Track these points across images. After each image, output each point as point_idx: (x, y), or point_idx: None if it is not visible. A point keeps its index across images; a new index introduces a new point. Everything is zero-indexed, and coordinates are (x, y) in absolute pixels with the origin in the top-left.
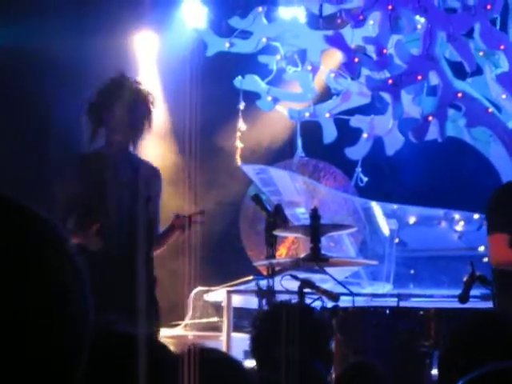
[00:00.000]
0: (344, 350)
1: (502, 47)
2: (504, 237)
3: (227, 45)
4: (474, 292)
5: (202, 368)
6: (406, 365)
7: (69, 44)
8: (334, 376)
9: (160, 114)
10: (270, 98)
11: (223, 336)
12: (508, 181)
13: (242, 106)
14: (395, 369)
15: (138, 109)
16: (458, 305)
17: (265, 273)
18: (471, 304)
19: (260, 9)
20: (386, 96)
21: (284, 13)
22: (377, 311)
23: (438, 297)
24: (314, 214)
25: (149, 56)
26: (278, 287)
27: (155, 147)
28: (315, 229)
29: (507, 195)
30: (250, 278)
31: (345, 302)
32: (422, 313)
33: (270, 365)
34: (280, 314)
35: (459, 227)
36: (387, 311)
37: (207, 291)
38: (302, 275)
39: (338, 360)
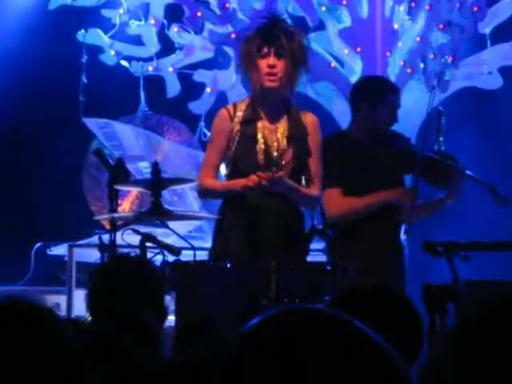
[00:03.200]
0: (185, 305)
1: (344, 2)
2: (336, 190)
3: None
4: (316, 246)
5: None
6: (248, 318)
7: None
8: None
9: (1, 67)
10: (113, 52)
11: (66, 290)
12: (327, 136)
13: (84, 60)
14: (237, 322)
15: None
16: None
17: (107, 227)
18: (312, 257)
19: None
20: (230, 50)
21: None
22: (217, 265)
23: None
24: (155, 168)
25: None
26: (120, 241)
27: None
28: (156, 183)
29: (326, 152)
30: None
31: (187, 256)
32: (261, 266)
33: (103, 318)
34: (113, 267)
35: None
36: (228, 265)
37: (49, 246)
38: (144, 229)
39: (181, 315)
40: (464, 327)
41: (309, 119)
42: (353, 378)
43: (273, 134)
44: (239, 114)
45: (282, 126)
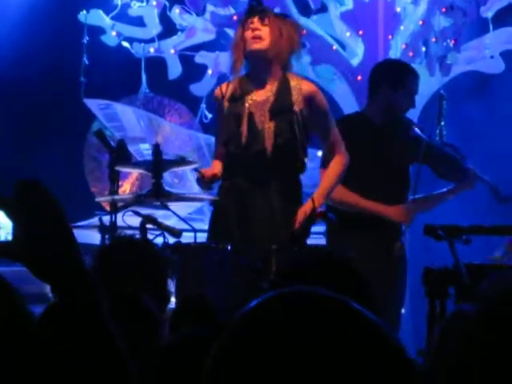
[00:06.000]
0: (186, 287)
1: None
2: None
3: None
4: (318, 229)
5: None
6: (248, 300)
7: None
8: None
9: (2, 47)
10: (114, 34)
11: None
12: (340, 117)
13: (86, 41)
14: (237, 304)
15: None
16: None
17: (108, 208)
18: (313, 240)
19: None
20: (231, 32)
21: None
22: (218, 247)
23: None
24: (156, 150)
25: None
26: (120, 223)
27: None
28: (157, 164)
29: (340, 130)
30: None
31: (187, 238)
32: (263, 248)
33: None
34: (117, 249)
35: None
36: (229, 247)
37: None
38: (145, 211)
39: (181, 297)
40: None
41: (305, 88)
42: (350, 358)
43: (260, 109)
44: (230, 90)
45: (271, 98)
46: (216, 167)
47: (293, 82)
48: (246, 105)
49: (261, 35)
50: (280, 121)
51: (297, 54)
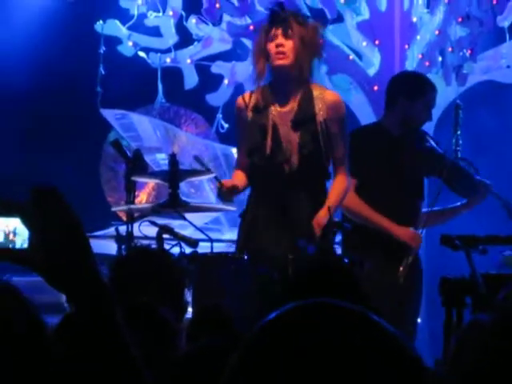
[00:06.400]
0: (203, 297)
1: None
2: (353, 181)
3: None
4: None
5: None
6: (265, 309)
7: None
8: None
9: (20, 57)
10: (130, 44)
11: None
12: (358, 127)
13: (102, 51)
14: (254, 313)
15: None
16: None
17: (124, 218)
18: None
19: None
20: (248, 42)
21: None
22: (235, 257)
23: None
24: (173, 160)
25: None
26: (137, 233)
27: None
28: (173, 174)
29: (357, 140)
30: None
31: (204, 248)
32: (279, 258)
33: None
34: (135, 259)
35: None
36: (245, 257)
37: None
38: (162, 221)
39: (198, 307)
40: None
41: (329, 98)
42: (370, 369)
43: (284, 120)
44: (253, 100)
45: (294, 109)
46: (237, 178)
47: (316, 92)
48: (271, 116)
49: (285, 51)
50: (304, 131)
51: (319, 57)
